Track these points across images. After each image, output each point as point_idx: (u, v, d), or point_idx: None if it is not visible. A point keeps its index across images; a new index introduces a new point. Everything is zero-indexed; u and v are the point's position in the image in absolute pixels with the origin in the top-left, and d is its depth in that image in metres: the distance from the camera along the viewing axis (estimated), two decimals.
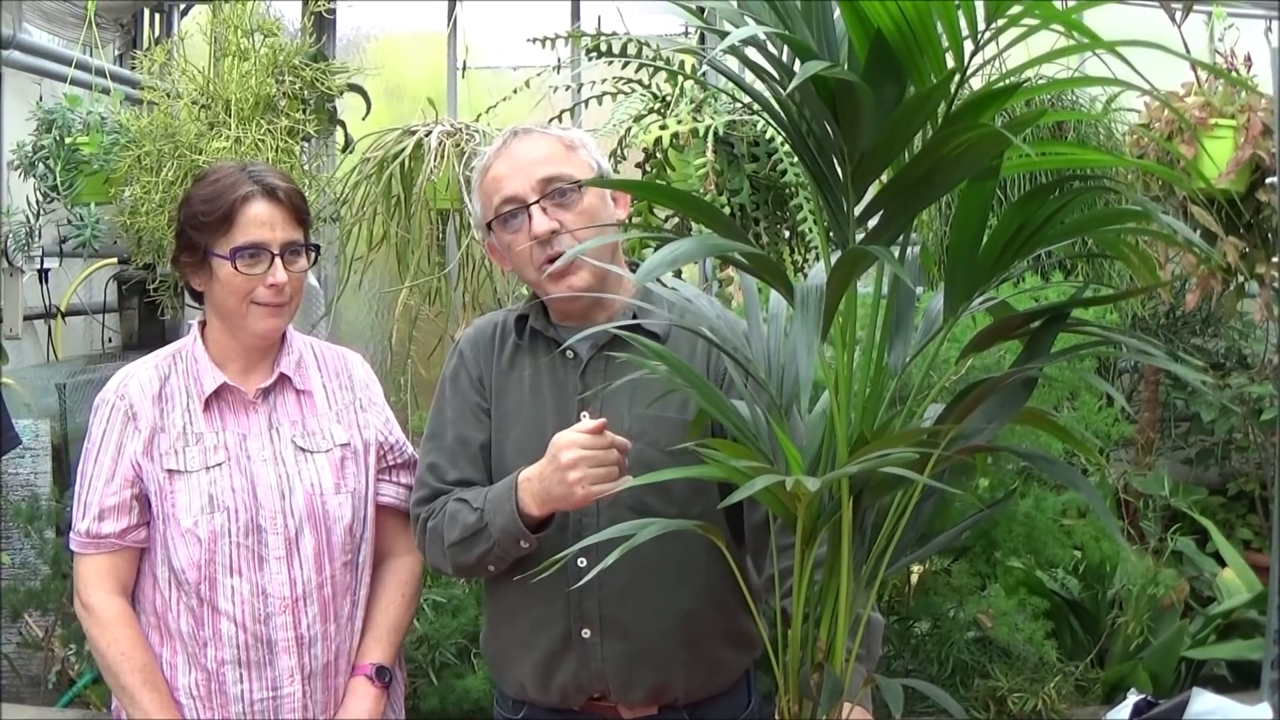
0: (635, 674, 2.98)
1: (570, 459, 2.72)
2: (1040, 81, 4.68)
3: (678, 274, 5.01)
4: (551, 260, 2.97)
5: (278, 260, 3.06)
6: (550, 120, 5.42)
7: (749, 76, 2.38)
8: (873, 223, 2.25)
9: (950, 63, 2.06)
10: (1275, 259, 5.09)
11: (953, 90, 2.08)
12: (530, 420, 3.07)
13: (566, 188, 3.01)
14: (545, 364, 3.11)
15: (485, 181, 3.11)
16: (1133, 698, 3.92)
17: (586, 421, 2.80)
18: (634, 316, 2.95)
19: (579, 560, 2.80)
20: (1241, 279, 5.84)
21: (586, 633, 2.98)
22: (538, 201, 3.01)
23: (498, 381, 3.15)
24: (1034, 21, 2.04)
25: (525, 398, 3.10)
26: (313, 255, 3.21)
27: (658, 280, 2.66)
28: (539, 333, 3.11)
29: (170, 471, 3.06)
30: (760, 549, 2.91)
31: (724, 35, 2.06)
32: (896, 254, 2.37)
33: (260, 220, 3.04)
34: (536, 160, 3.04)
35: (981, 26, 2.04)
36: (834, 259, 2.20)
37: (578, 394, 3.03)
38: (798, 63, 2.11)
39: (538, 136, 3.09)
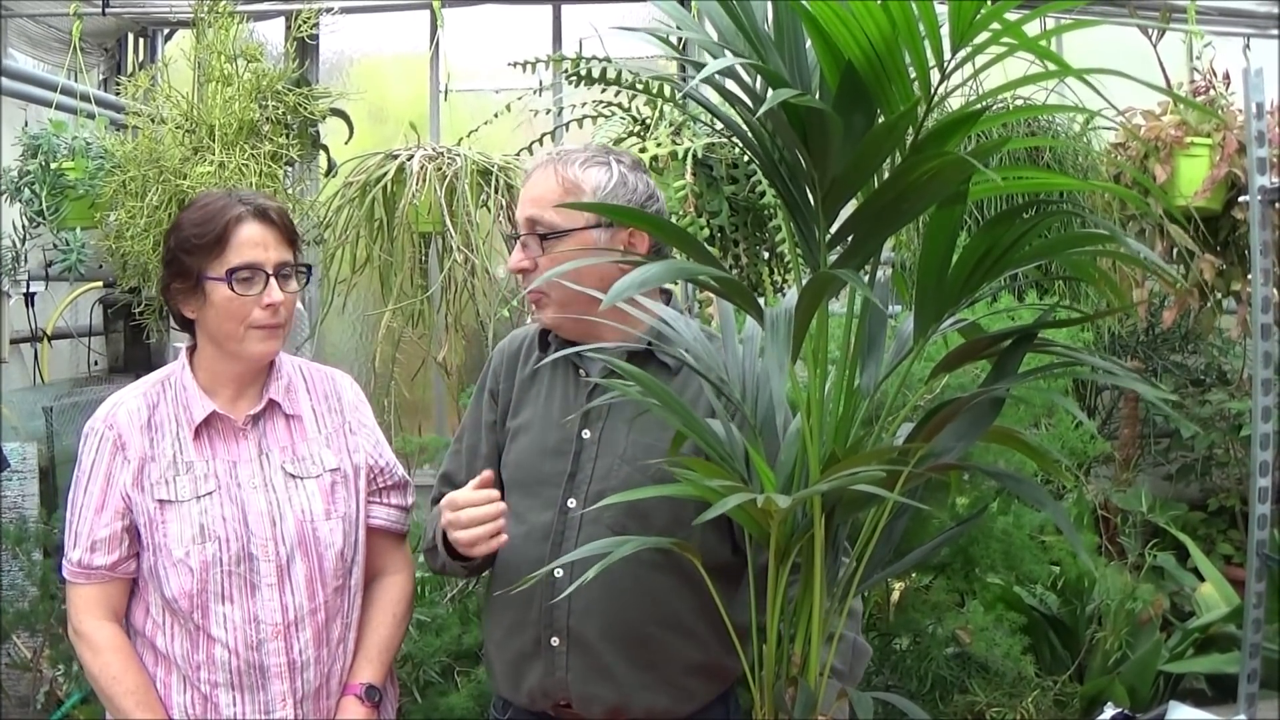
0: (595, 688, 3.02)
1: (449, 519, 2.94)
2: (1017, 104, 4.73)
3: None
4: (531, 293, 3.06)
5: (273, 280, 3.06)
6: (531, 144, 5.47)
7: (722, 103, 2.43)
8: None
9: (919, 90, 2.10)
10: (1251, 275, 5.13)
11: (921, 117, 2.12)
12: (537, 433, 3.13)
13: (546, 233, 3.04)
14: (560, 380, 3.17)
15: None
16: (1109, 711, 3.95)
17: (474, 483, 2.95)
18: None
19: (556, 571, 2.86)
20: (1218, 296, 5.88)
21: (555, 641, 3.02)
22: (521, 237, 3.07)
23: (518, 393, 3.22)
24: (1002, 49, 2.08)
25: (538, 411, 3.16)
26: (304, 276, 3.21)
27: (633, 301, 2.70)
28: (559, 349, 3.13)
29: (161, 502, 3.05)
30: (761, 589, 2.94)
31: (700, 65, 2.10)
32: (868, 275, 2.41)
33: (254, 241, 3.05)
34: (532, 197, 3.07)
35: (948, 56, 2.07)
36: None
37: (581, 413, 3.08)
38: (770, 92, 2.15)
39: (547, 173, 3.09)
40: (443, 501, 2.98)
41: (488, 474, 2.94)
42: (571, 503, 3.03)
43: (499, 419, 3.24)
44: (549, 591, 2.99)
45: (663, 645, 3.01)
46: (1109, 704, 4.29)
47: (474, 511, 2.89)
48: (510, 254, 3.16)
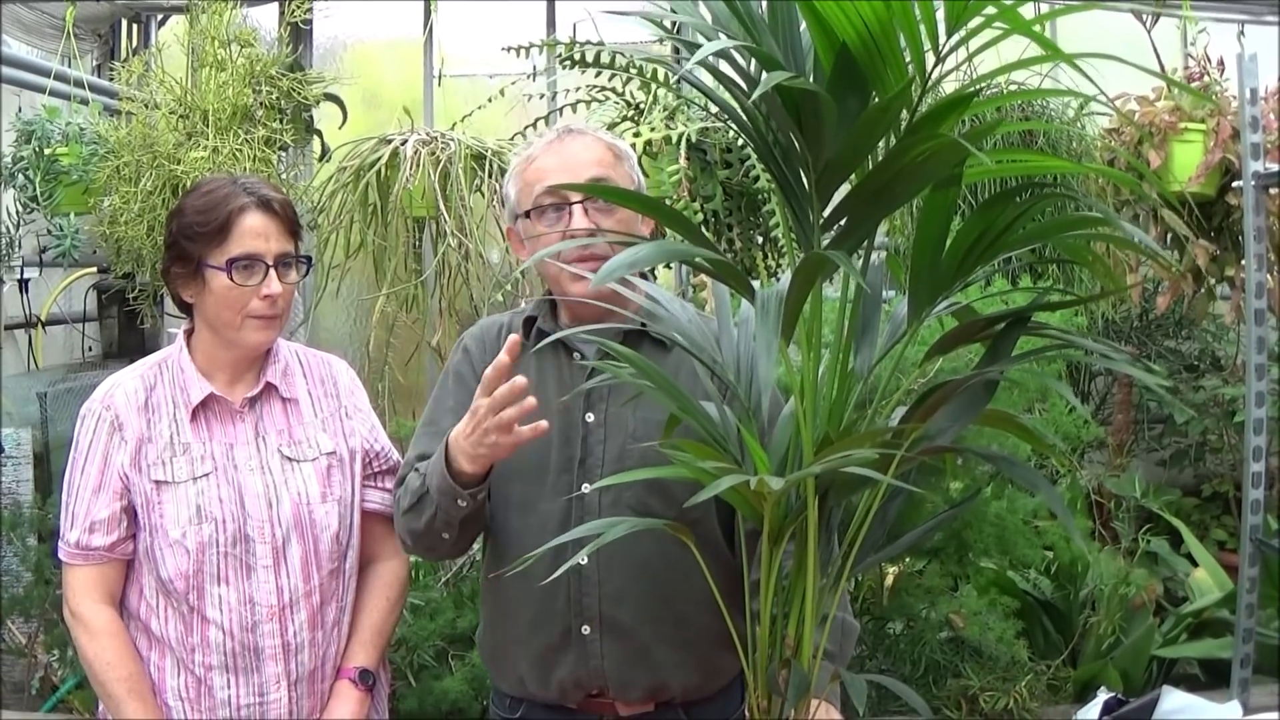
0: (633, 672, 3.00)
1: (479, 410, 2.73)
2: (1012, 88, 4.73)
3: (653, 277, 5.05)
4: (584, 259, 2.98)
5: (272, 272, 3.06)
6: (526, 128, 5.48)
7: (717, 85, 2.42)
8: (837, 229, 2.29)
9: (914, 73, 2.10)
10: (1245, 261, 5.13)
11: (916, 100, 2.12)
12: (535, 420, 3.00)
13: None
14: (551, 365, 3.12)
15: (528, 171, 3.11)
16: (1102, 696, 3.95)
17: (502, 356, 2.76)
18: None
19: (581, 558, 2.76)
20: (1212, 281, 5.89)
21: (586, 629, 2.99)
22: (581, 201, 3.02)
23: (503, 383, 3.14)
24: (997, 32, 2.08)
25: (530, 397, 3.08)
26: (304, 267, 3.21)
27: (625, 282, 2.69)
28: (545, 335, 3.08)
29: (158, 482, 3.06)
30: (753, 557, 2.92)
31: (694, 47, 2.10)
32: (861, 259, 2.41)
33: (256, 231, 3.05)
34: (586, 162, 3.05)
35: (943, 38, 2.07)
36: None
37: (583, 396, 3.04)
38: (764, 74, 2.15)
39: (591, 140, 3.10)
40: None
41: (514, 338, 2.75)
42: (586, 487, 2.99)
43: None
44: (576, 580, 2.96)
45: (696, 622, 2.97)
46: (1102, 688, 4.29)
47: (499, 399, 2.70)
48: (533, 228, 3.11)
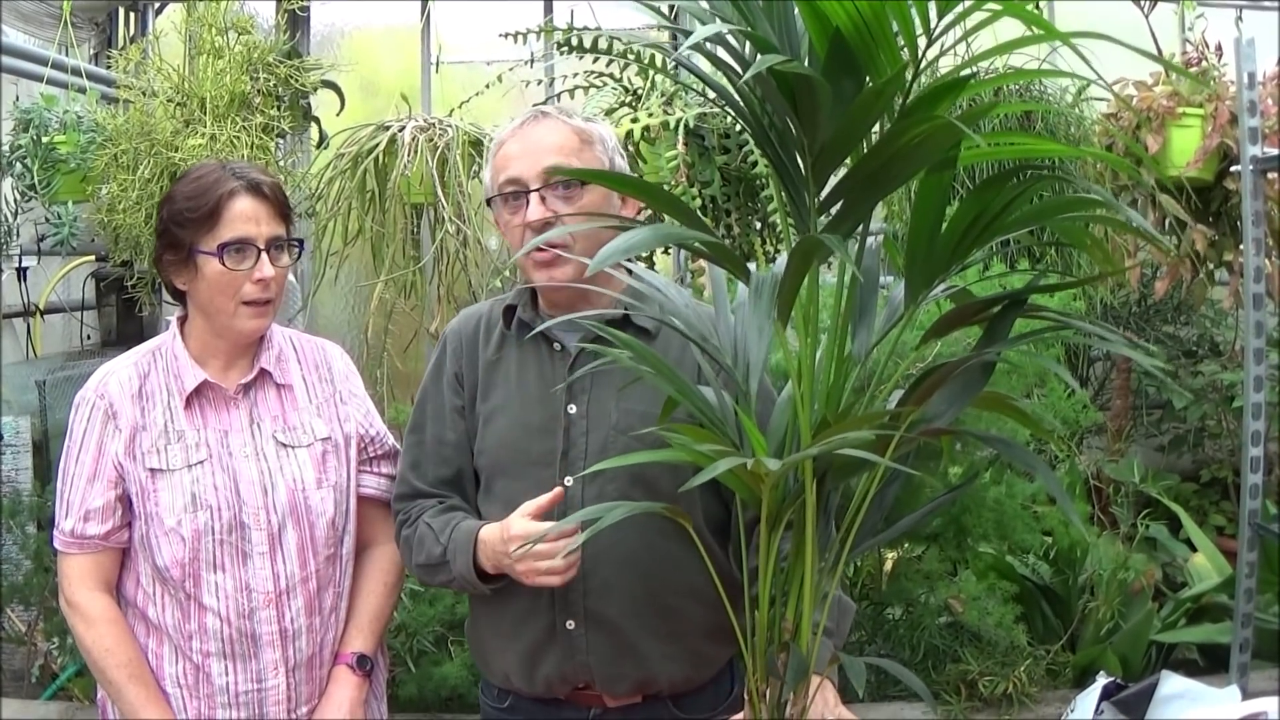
0: (619, 667, 2.98)
1: (518, 553, 2.76)
2: (1006, 71, 4.72)
3: (651, 265, 5.05)
4: (543, 250, 2.92)
5: (264, 255, 3.04)
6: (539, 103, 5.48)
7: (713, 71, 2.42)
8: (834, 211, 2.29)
9: (907, 56, 2.10)
10: (1243, 245, 5.13)
11: (909, 83, 2.12)
12: (516, 413, 3.04)
13: (567, 182, 2.96)
14: (531, 356, 3.08)
15: (496, 156, 3.08)
16: (1101, 680, 3.95)
17: (541, 500, 2.82)
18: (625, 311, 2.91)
19: (574, 543, 2.73)
20: (1210, 266, 5.88)
21: (570, 624, 2.96)
22: (538, 189, 2.97)
23: (484, 376, 3.12)
24: (986, 14, 2.07)
25: (512, 389, 3.07)
26: (296, 250, 3.20)
27: (623, 267, 2.68)
28: (526, 324, 3.06)
29: (153, 470, 3.04)
30: (751, 545, 2.89)
31: (690, 33, 2.09)
32: (857, 242, 2.41)
33: (246, 215, 3.03)
34: (547, 147, 2.99)
35: (934, 21, 2.07)
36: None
37: (566, 386, 3.00)
38: (759, 59, 2.15)
39: (555, 123, 3.04)
40: (507, 532, 2.83)
41: (558, 492, 2.83)
42: (569, 481, 2.95)
43: (467, 404, 3.15)
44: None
45: (682, 613, 2.97)
46: (1101, 673, 4.29)
47: (544, 547, 2.75)
48: (500, 214, 3.10)
